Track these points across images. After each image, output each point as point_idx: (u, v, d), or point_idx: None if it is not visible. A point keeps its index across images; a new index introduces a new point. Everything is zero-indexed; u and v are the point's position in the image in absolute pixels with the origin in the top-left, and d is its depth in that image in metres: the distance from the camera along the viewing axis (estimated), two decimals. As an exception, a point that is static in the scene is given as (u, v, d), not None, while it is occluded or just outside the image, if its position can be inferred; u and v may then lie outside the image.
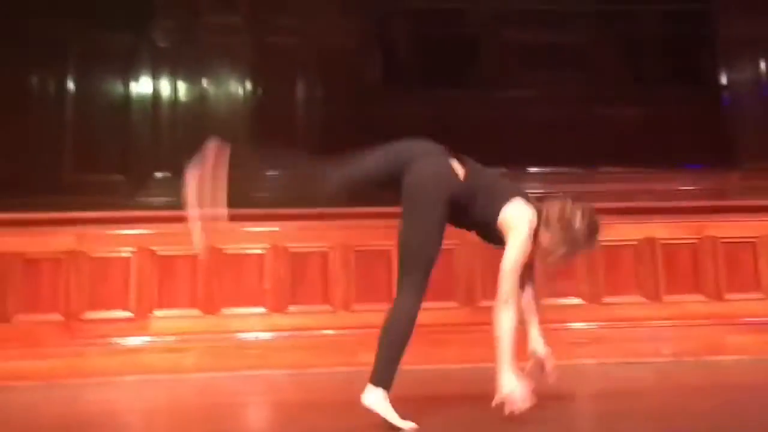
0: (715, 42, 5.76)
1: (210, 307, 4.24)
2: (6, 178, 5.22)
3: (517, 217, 2.52)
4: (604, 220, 4.26)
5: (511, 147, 5.52)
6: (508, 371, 2.41)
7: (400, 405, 2.46)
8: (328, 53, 5.59)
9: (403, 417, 2.43)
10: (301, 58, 5.64)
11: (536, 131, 5.55)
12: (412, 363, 2.96)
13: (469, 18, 5.85)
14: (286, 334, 4.22)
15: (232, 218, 4.30)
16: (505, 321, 2.45)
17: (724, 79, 5.79)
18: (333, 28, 5.62)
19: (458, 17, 5.82)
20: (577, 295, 4.39)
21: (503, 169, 5.55)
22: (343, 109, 5.50)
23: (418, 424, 2.35)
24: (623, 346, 4.22)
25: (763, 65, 5.74)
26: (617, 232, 4.46)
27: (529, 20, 5.74)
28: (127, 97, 5.61)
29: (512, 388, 2.37)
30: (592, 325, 4.35)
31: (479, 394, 3.04)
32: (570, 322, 4.34)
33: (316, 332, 4.23)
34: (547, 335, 4.17)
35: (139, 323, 4.17)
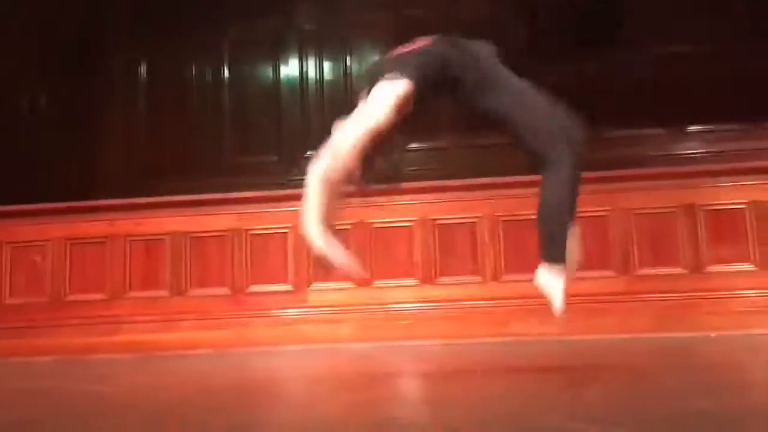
0: None
1: (363, 279, 4.37)
2: (173, 164, 5.64)
3: None
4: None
5: (668, 106, 5.21)
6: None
7: (557, 375, 2.41)
8: (470, 24, 5.50)
9: (561, 388, 2.39)
10: (443, 30, 5.60)
11: (693, 88, 5.19)
12: (569, 333, 2.90)
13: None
14: (436, 305, 4.26)
15: (382, 193, 4.41)
16: None
17: None
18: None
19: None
20: (746, 261, 4.09)
21: (661, 130, 5.28)
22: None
23: (576, 395, 2.29)
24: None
25: None
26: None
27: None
28: (276, 80, 5.84)
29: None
30: (764, 292, 4.04)
31: (636, 364, 2.92)
32: (739, 290, 4.05)
33: (466, 303, 4.24)
34: (714, 304, 3.97)
35: (297, 296, 4.37)
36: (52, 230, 4.55)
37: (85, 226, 4.45)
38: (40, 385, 1.95)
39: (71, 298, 4.36)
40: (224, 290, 4.38)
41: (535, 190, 4.30)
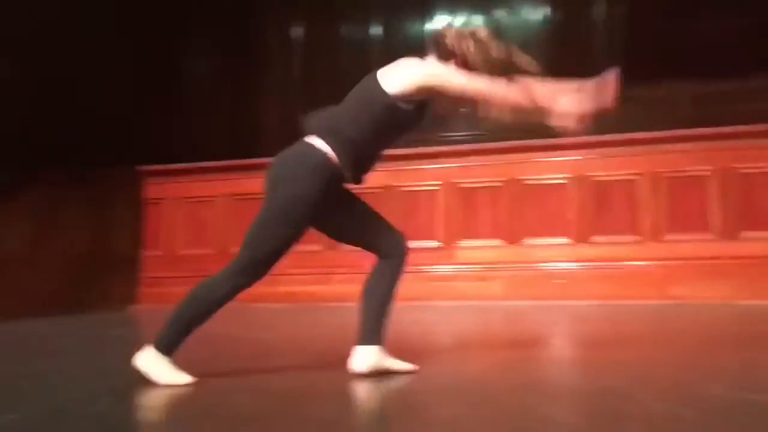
0: None
1: (513, 237, 4.31)
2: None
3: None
4: None
5: None
6: (548, 94, 2.04)
7: (723, 341, 2.25)
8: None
9: (728, 356, 2.24)
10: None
11: None
12: (736, 298, 2.68)
13: None
14: (591, 264, 4.13)
15: (534, 148, 4.30)
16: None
17: None
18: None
19: None
20: None
21: None
22: (648, 27, 5.06)
23: (744, 363, 2.13)
24: None
25: None
26: None
27: None
28: (423, 34, 5.81)
29: (563, 103, 2.02)
30: None
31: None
32: None
33: (622, 263, 4.08)
34: None
35: (447, 252, 4.40)
36: (219, 187, 4.86)
37: (247, 182, 4.70)
38: (210, 331, 2.11)
39: (234, 250, 4.65)
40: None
41: (700, 143, 4.02)
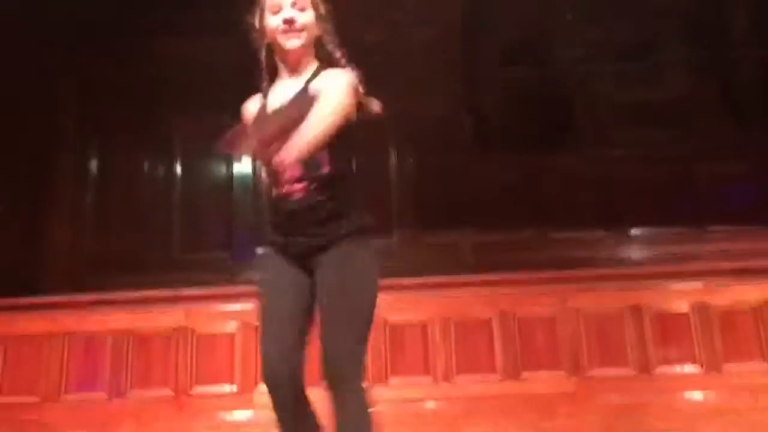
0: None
1: (314, 379, 4.25)
2: (120, 258, 5.52)
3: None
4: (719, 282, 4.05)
5: (611, 209, 5.38)
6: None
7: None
8: (420, 121, 5.67)
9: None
10: (394, 128, 5.76)
11: (636, 191, 5.39)
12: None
13: (561, 79, 5.81)
14: (387, 406, 4.16)
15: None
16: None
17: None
18: (424, 96, 5.70)
19: (551, 80, 5.80)
20: (692, 362, 4.14)
21: (604, 233, 5.42)
22: (436, 177, 5.54)
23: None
24: (747, 417, 3.91)
25: None
26: (733, 293, 4.23)
27: (623, 78, 5.65)
28: (230, 176, 5.86)
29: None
30: (710, 394, 4.07)
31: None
32: (686, 391, 4.08)
33: (417, 404, 4.16)
34: (662, 406, 3.97)
35: (243, 397, 4.23)
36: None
37: (24, 322, 4.27)
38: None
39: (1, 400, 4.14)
40: (167, 391, 4.20)
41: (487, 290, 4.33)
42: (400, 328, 4.23)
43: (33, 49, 5.38)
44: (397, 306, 4.28)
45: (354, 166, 2.23)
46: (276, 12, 2.16)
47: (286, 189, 2.09)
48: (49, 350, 4.25)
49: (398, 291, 4.35)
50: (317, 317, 2.12)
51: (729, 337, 4.16)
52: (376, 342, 4.23)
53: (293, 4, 2.16)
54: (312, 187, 2.07)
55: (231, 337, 4.30)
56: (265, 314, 2.14)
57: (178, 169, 5.88)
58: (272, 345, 2.10)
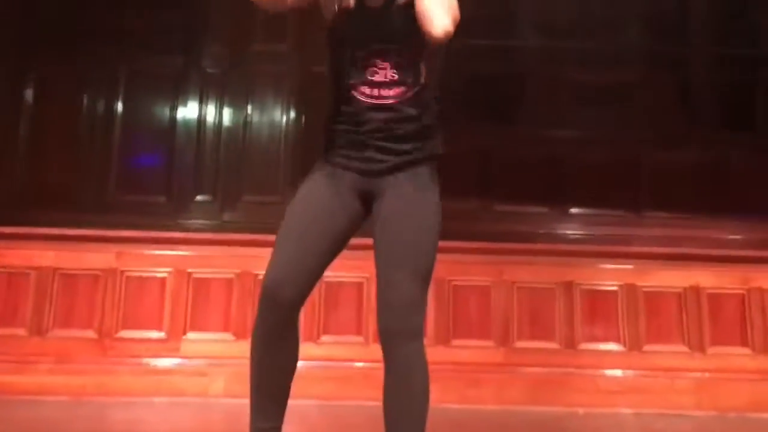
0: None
1: (243, 331, 4.21)
2: (54, 194, 5.31)
3: None
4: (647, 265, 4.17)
5: (555, 186, 5.45)
6: None
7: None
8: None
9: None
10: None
11: (582, 172, 5.47)
12: (444, 401, 2.86)
13: (518, 55, 5.82)
14: (317, 363, 4.16)
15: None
16: None
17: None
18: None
19: (508, 55, 5.80)
20: (616, 341, 4.27)
21: (545, 209, 5.49)
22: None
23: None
24: (663, 397, 4.07)
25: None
26: (661, 278, 4.36)
27: (580, 59, 5.69)
28: (173, 120, 5.68)
29: None
30: (630, 373, 4.21)
31: None
32: (607, 368, 4.21)
33: (348, 363, 4.17)
34: (584, 381, 4.10)
35: (171, 344, 4.16)
36: None
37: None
38: None
39: None
40: (90, 333, 4.10)
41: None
42: (336, 286, 4.21)
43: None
44: (334, 264, 4.26)
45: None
46: None
47: (379, 92, 1.91)
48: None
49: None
50: (376, 252, 1.92)
51: (653, 320, 4.30)
52: (310, 298, 4.21)
53: None
54: (407, 95, 1.93)
55: (162, 282, 4.21)
56: (300, 225, 1.92)
57: (120, 107, 5.67)
58: (292, 263, 1.89)
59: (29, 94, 5.54)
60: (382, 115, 1.92)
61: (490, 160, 5.51)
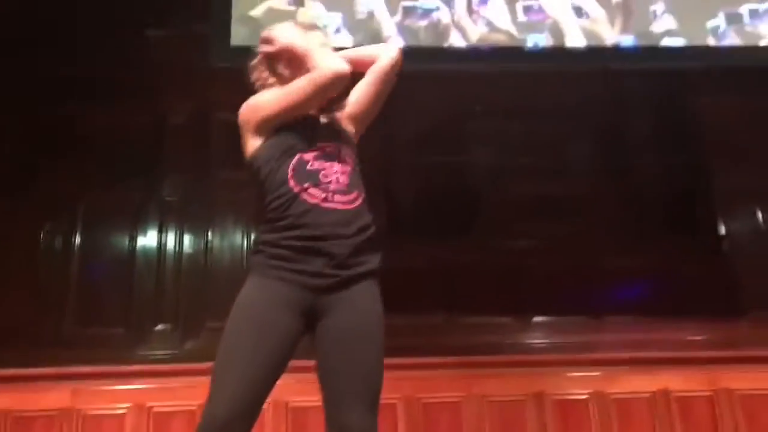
0: (711, 194, 5.88)
1: None
2: (9, 331, 5.16)
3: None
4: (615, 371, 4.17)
5: (514, 297, 5.49)
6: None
7: None
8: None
9: None
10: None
11: (538, 282, 5.54)
12: None
13: (470, 171, 6.01)
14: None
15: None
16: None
17: (722, 230, 5.85)
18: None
19: (460, 170, 5.99)
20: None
21: (508, 319, 5.51)
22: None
23: None
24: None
25: (759, 215, 5.83)
26: (629, 383, 4.35)
27: (528, 174, 5.89)
28: (132, 250, 5.64)
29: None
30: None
31: None
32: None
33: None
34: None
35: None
36: None
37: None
38: None
39: None
40: (44, 479, 3.88)
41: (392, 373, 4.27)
42: (303, 410, 4.10)
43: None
44: (299, 388, 4.16)
45: None
46: None
47: (330, 196, 1.88)
48: None
49: (302, 372, 4.24)
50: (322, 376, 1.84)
51: (625, 427, 4.25)
52: (276, 425, 4.08)
53: None
54: (358, 201, 1.93)
55: (121, 419, 4.04)
56: (244, 351, 1.80)
57: (78, 239, 5.62)
58: (241, 396, 1.77)
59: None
60: (333, 219, 1.88)
61: (450, 274, 5.56)
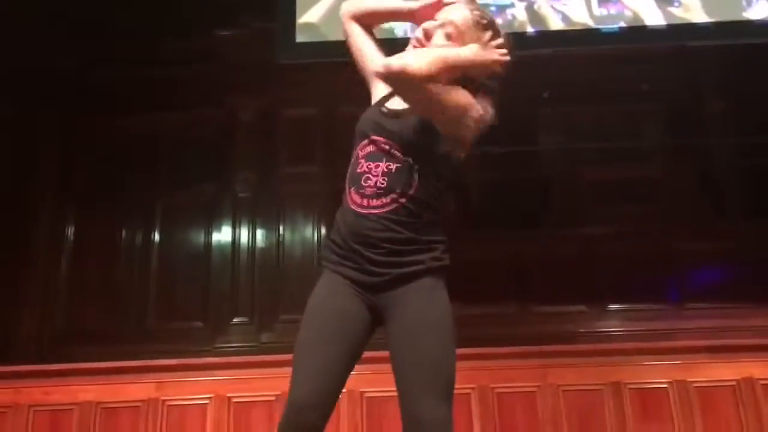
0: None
1: None
2: (93, 328, 5.40)
3: None
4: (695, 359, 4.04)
5: (589, 285, 5.38)
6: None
7: None
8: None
9: None
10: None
11: (614, 268, 5.41)
12: None
13: (541, 159, 5.92)
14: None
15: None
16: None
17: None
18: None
19: (531, 159, 5.90)
20: (673, 441, 4.08)
21: (582, 307, 5.41)
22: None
23: None
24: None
25: None
26: (712, 371, 4.21)
27: (602, 157, 5.76)
28: (208, 245, 5.81)
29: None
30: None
31: None
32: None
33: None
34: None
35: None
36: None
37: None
38: None
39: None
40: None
41: (467, 364, 4.26)
42: (378, 401, 4.13)
43: (11, 116, 5.40)
44: (375, 379, 4.20)
45: (441, 199, 1.98)
46: None
47: (366, 201, 1.86)
48: (13, 422, 4.08)
49: (377, 363, 4.27)
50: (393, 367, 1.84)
51: (709, 416, 4.12)
52: (353, 415, 4.13)
53: None
54: (393, 206, 1.85)
55: (203, 408, 4.17)
56: (319, 342, 1.84)
57: (156, 238, 5.82)
58: (314, 384, 1.79)
59: (70, 232, 5.74)
60: (370, 225, 1.86)
61: (523, 263, 5.49)
